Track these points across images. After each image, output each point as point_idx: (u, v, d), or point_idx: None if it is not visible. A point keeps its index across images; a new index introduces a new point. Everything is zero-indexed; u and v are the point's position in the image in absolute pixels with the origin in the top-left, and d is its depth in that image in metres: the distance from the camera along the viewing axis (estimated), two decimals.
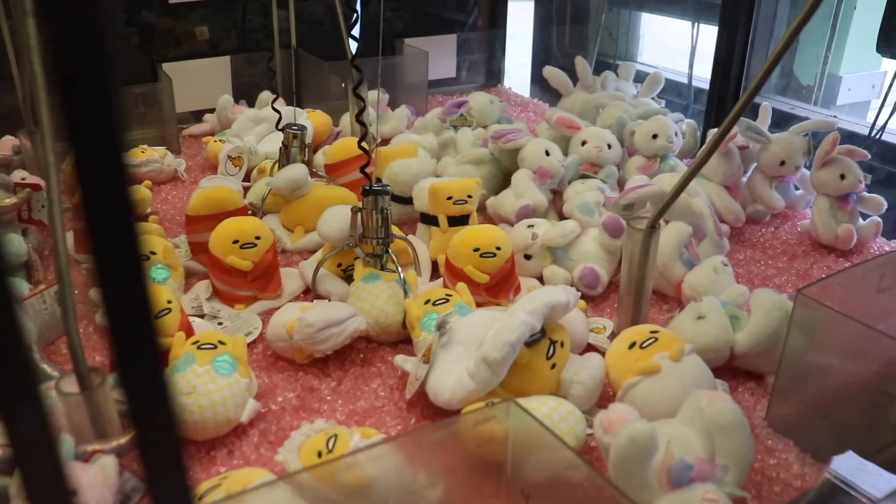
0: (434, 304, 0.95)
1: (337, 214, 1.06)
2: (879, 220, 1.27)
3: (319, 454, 0.70)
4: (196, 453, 0.81)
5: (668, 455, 0.64)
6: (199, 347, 0.84)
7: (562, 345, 0.85)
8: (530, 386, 0.83)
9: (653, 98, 1.66)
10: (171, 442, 0.29)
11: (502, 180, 1.35)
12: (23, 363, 0.26)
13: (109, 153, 0.24)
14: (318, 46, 1.77)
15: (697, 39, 1.79)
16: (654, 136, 1.36)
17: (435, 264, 1.16)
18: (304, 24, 1.89)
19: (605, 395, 0.89)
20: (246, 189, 1.36)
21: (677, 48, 2.01)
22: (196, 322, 0.99)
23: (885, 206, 1.27)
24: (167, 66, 1.71)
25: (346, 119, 1.66)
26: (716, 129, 0.89)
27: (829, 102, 1.70)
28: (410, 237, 1.14)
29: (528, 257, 1.13)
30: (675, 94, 1.83)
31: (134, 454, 0.71)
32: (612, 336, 0.98)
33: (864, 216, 1.28)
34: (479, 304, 0.98)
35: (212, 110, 1.69)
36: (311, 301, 1.05)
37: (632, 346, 0.85)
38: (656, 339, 0.85)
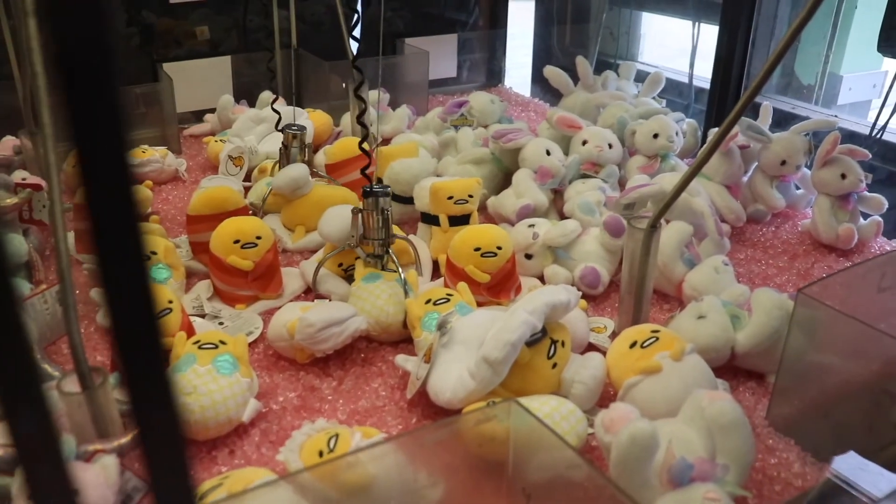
0: (435, 304, 0.95)
1: (338, 214, 1.06)
2: (880, 219, 1.27)
3: (321, 454, 0.70)
4: (197, 453, 0.81)
5: (669, 454, 0.64)
6: (200, 347, 0.84)
7: (563, 344, 0.85)
8: (531, 385, 0.83)
9: (654, 97, 1.66)
10: (174, 442, 0.29)
11: (503, 180, 1.35)
12: (25, 363, 0.26)
13: (113, 152, 0.24)
14: (319, 46, 1.77)
15: (698, 39, 1.79)
16: (655, 136, 1.36)
17: (436, 264, 1.16)
18: (304, 24, 1.90)
19: (606, 395, 0.89)
20: (247, 189, 1.36)
21: (678, 48, 2.01)
22: (197, 322, 0.99)
23: (886, 205, 1.27)
24: (168, 66, 1.71)
25: (347, 119, 1.66)
26: (716, 129, 0.89)
27: (830, 102, 1.70)
28: (411, 237, 1.14)
29: (528, 257, 1.13)
30: (675, 93, 1.83)
31: (135, 454, 0.71)
32: (613, 335, 0.98)
33: (865, 216, 1.28)
34: (479, 304, 0.98)
35: (212, 110, 1.69)
36: (312, 301, 1.05)
37: (633, 345, 0.85)
38: (657, 339, 0.85)
